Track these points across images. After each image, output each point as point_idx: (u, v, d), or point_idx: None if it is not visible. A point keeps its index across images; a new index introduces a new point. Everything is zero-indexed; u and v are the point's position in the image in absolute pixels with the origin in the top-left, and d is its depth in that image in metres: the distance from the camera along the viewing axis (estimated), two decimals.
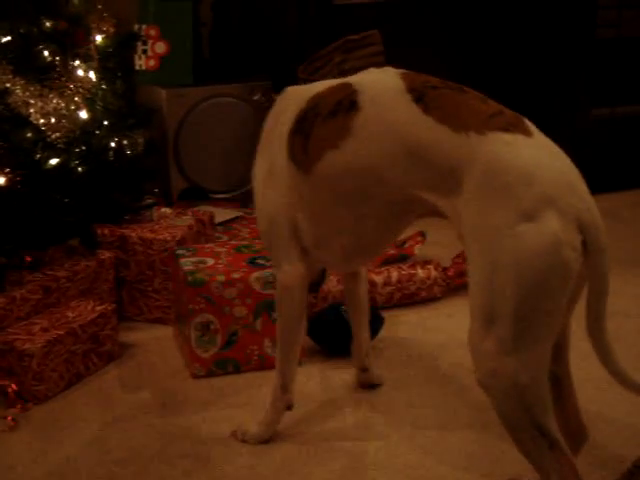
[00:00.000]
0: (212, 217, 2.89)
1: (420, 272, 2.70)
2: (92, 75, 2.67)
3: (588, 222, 1.38)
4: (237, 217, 3.27)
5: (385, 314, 2.48)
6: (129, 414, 2.10)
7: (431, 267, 2.73)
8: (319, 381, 2.23)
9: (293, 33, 3.53)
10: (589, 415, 1.73)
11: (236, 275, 2.26)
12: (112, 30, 2.75)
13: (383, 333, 2.43)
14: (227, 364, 2.27)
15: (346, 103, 1.64)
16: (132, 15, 3.38)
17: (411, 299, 2.70)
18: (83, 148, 2.58)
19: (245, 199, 3.49)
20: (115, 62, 2.75)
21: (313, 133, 1.70)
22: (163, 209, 2.88)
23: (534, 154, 1.42)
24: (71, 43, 2.62)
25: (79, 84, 2.61)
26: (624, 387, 1.45)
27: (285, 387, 1.92)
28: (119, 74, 2.76)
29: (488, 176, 1.42)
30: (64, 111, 2.54)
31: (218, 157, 3.49)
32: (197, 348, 2.25)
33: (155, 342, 2.50)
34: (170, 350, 2.44)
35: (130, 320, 2.63)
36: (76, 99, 2.58)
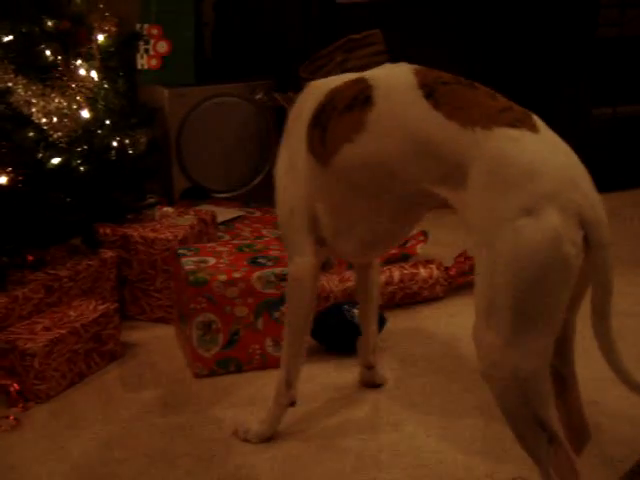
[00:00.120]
0: (214, 216, 2.88)
1: (422, 271, 2.70)
2: (94, 74, 2.67)
3: (590, 218, 1.38)
4: (239, 216, 3.27)
5: (387, 314, 2.48)
6: (131, 413, 2.10)
7: (433, 266, 2.72)
8: (321, 380, 2.23)
9: (295, 32, 3.53)
10: (592, 414, 1.72)
11: (237, 274, 2.26)
12: (114, 29, 2.75)
13: (385, 333, 2.43)
14: (229, 363, 2.27)
15: (361, 98, 1.67)
16: (134, 14, 3.38)
17: (413, 299, 2.70)
18: (85, 147, 2.58)
19: (247, 198, 3.49)
20: (117, 61, 2.75)
21: (330, 126, 1.73)
22: (165, 208, 2.88)
23: (538, 150, 1.43)
24: (73, 42, 2.63)
25: (81, 83, 2.61)
26: (626, 386, 1.45)
27: (290, 383, 1.93)
28: (121, 73, 2.76)
29: (492, 171, 1.43)
30: (66, 110, 2.53)
31: (220, 156, 3.49)
32: (199, 347, 2.25)
33: (157, 341, 2.50)
34: (172, 349, 2.44)
35: (132, 319, 2.63)
36: (78, 98, 2.58)
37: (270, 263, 2.33)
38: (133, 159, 2.75)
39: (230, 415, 2.07)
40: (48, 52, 2.55)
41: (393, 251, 2.85)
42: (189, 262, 2.31)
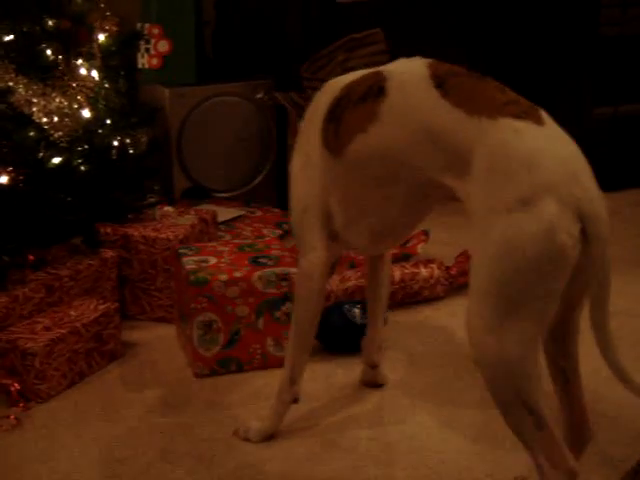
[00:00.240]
0: (215, 216, 2.88)
1: (423, 271, 2.70)
2: (95, 74, 2.66)
3: (589, 212, 1.38)
4: (240, 216, 3.27)
5: (388, 313, 2.48)
6: (132, 413, 2.10)
7: (434, 266, 2.72)
8: (322, 380, 2.23)
9: (296, 32, 3.53)
10: (594, 413, 1.72)
11: (238, 274, 2.26)
12: (115, 29, 2.75)
13: (386, 332, 2.43)
14: (230, 363, 2.27)
15: (375, 89, 1.68)
16: (135, 14, 3.38)
17: (414, 298, 2.70)
18: (86, 147, 2.58)
19: (248, 198, 3.49)
20: (118, 61, 2.75)
21: (344, 117, 1.75)
22: (166, 208, 2.88)
23: (540, 142, 1.43)
24: (74, 42, 2.62)
25: (82, 83, 2.61)
26: (623, 385, 1.45)
27: (293, 380, 1.93)
28: (122, 73, 2.76)
29: (493, 160, 1.44)
30: (67, 110, 2.53)
31: (221, 156, 3.49)
32: (199, 347, 2.25)
33: (158, 341, 2.50)
34: (173, 349, 2.44)
35: (133, 319, 2.63)
36: (79, 98, 2.58)
37: (271, 263, 2.33)
38: (134, 159, 2.75)
39: (230, 415, 2.07)
40: (49, 51, 2.55)
41: (394, 251, 2.84)
42: (190, 262, 2.31)
